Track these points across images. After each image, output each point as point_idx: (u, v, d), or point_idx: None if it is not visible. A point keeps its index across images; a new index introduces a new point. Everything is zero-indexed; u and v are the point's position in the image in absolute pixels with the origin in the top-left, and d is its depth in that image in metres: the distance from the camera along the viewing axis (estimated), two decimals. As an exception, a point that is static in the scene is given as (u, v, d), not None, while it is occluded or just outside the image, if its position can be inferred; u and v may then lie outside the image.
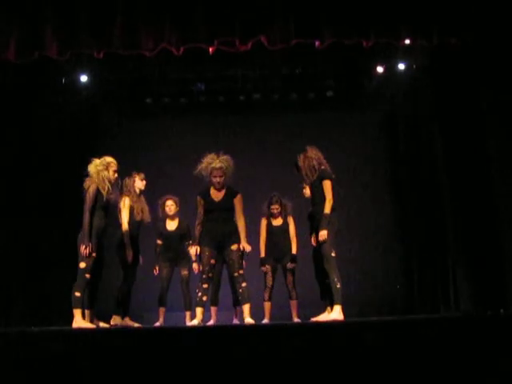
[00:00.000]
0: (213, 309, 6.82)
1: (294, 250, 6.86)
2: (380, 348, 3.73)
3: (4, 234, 7.00)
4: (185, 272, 7.00)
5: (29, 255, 7.40)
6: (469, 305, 7.01)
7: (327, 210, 5.76)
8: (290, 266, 6.83)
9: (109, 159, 5.94)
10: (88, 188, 5.77)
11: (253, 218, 6.89)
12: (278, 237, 6.91)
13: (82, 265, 5.57)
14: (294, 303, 6.81)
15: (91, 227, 5.64)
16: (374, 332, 4.03)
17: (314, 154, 6.07)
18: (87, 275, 5.57)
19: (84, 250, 5.54)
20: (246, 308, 5.73)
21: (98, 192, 5.74)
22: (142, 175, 6.71)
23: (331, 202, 5.80)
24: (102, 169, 5.83)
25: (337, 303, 5.64)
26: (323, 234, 5.68)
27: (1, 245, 6.95)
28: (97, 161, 5.90)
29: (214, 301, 6.82)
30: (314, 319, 6.15)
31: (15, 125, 7.40)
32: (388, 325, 4.61)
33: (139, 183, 6.66)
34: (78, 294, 5.52)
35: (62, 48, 6.16)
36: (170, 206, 7.00)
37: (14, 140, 7.36)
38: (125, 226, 6.48)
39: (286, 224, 6.95)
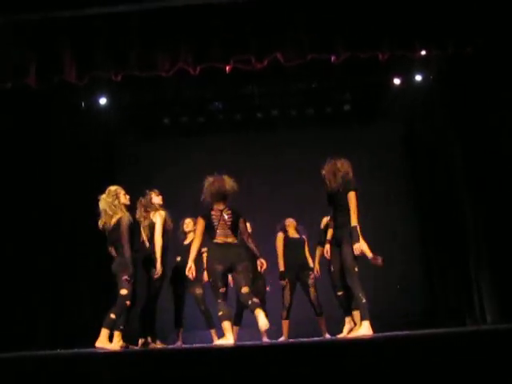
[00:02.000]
0: (234, 328, 6.76)
1: (311, 263, 6.83)
2: (410, 363, 3.67)
3: (24, 258, 7.07)
4: (199, 291, 6.80)
5: (50, 279, 7.46)
6: (496, 316, 6.90)
7: (354, 221, 5.52)
8: (311, 280, 6.77)
9: (113, 188, 5.93)
10: (114, 222, 5.81)
11: (269, 234, 6.96)
12: (295, 250, 6.87)
13: (124, 292, 5.60)
14: (321, 319, 6.73)
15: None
16: (404, 347, 3.98)
17: (340, 165, 5.92)
18: (128, 302, 5.61)
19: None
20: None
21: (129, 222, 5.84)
22: (157, 191, 6.69)
23: (356, 213, 5.58)
24: (113, 199, 5.85)
25: (365, 319, 5.53)
26: (358, 248, 5.48)
27: (23, 268, 7.02)
28: (103, 196, 5.89)
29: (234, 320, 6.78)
30: (340, 336, 6.08)
31: (35, 149, 7.51)
32: (417, 340, 4.54)
33: (157, 199, 6.64)
34: (113, 316, 5.54)
35: (81, 72, 6.24)
36: (188, 223, 7.01)
37: (34, 163, 7.46)
38: (159, 241, 6.42)
39: (302, 238, 6.91)
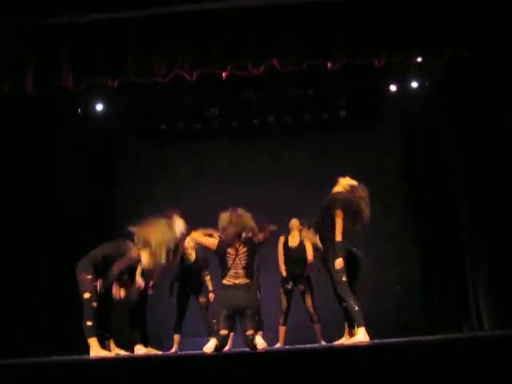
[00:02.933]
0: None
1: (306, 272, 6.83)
2: (406, 370, 3.66)
3: (24, 258, 7.07)
4: (203, 299, 6.97)
5: (50, 280, 7.45)
6: (492, 322, 6.90)
7: (339, 237, 5.66)
8: (301, 288, 6.77)
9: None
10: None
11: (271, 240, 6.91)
12: (294, 258, 6.87)
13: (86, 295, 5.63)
14: (317, 326, 6.73)
15: None
16: (401, 354, 3.97)
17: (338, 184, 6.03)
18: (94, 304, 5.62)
19: None
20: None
21: None
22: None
23: (341, 229, 5.68)
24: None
25: (359, 325, 5.53)
26: (339, 263, 5.60)
27: (23, 268, 7.02)
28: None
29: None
30: (337, 342, 6.07)
31: (32, 155, 7.51)
32: (413, 346, 4.54)
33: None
34: (88, 323, 5.54)
35: (78, 78, 6.25)
36: (188, 242, 6.97)
37: (31, 169, 7.45)
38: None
39: (302, 245, 6.91)
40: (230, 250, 5.25)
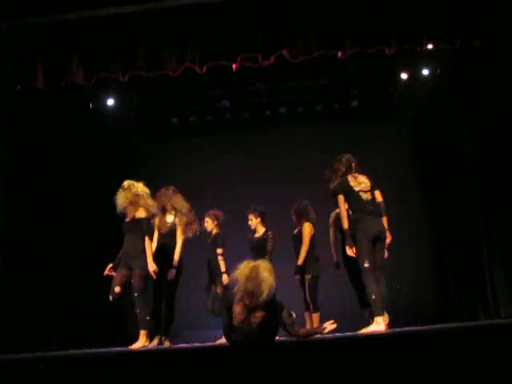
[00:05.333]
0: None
1: (299, 261, 6.74)
2: (423, 359, 3.66)
3: (41, 257, 7.12)
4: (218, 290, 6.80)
5: (66, 278, 7.50)
6: (510, 310, 6.85)
7: (345, 225, 5.69)
8: (295, 277, 6.76)
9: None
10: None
11: (281, 231, 7.01)
12: (295, 246, 6.90)
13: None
14: (314, 316, 6.66)
15: None
16: (414, 343, 3.96)
17: (337, 165, 5.99)
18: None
19: None
20: None
21: None
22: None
23: (345, 217, 5.70)
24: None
25: (376, 315, 5.54)
26: (347, 251, 5.65)
27: (39, 268, 7.08)
28: None
29: None
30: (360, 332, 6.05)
31: (44, 151, 7.55)
32: (429, 335, 4.53)
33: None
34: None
35: (88, 73, 6.27)
36: (205, 222, 7.08)
37: (44, 165, 7.50)
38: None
39: (300, 232, 6.88)
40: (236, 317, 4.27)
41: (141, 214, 5.95)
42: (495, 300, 7.24)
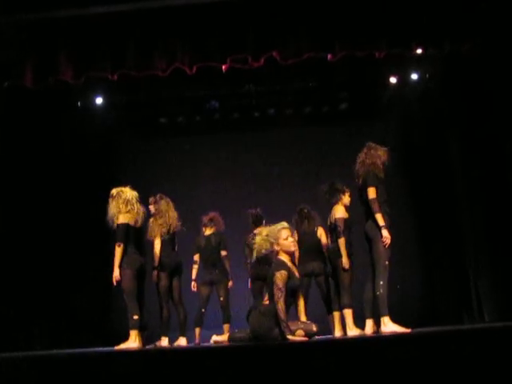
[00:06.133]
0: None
1: None
2: (406, 363, 3.67)
3: (24, 255, 7.07)
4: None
5: (49, 278, 7.46)
6: (494, 314, 6.91)
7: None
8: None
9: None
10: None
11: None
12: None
13: None
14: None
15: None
16: (399, 346, 3.98)
17: (365, 155, 5.87)
18: None
19: None
20: None
21: None
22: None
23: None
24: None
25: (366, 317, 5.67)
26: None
27: (21, 267, 7.02)
28: None
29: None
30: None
31: (31, 149, 7.51)
32: (414, 338, 4.55)
33: None
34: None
35: (77, 72, 6.24)
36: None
37: (31, 163, 7.45)
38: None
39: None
40: None
41: (121, 219, 5.89)
42: (479, 304, 7.30)
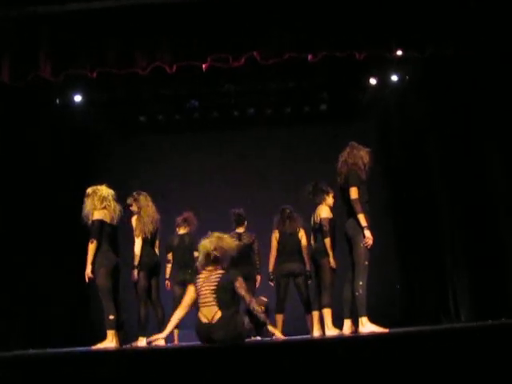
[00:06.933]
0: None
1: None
2: (384, 362, 3.69)
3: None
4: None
5: (27, 278, 7.38)
6: (470, 314, 6.99)
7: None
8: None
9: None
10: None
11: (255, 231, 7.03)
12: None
13: None
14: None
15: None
16: (377, 346, 4.00)
17: (347, 155, 5.79)
18: None
19: None
20: None
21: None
22: None
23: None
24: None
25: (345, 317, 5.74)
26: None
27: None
28: None
29: None
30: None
31: (8, 146, 7.41)
32: (393, 338, 4.58)
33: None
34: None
35: (56, 69, 6.17)
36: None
37: (7, 161, 7.36)
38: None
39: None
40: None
41: (96, 215, 5.83)
42: (456, 305, 7.38)
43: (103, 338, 5.70)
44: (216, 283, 4.94)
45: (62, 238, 7.94)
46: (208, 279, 4.99)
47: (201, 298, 4.97)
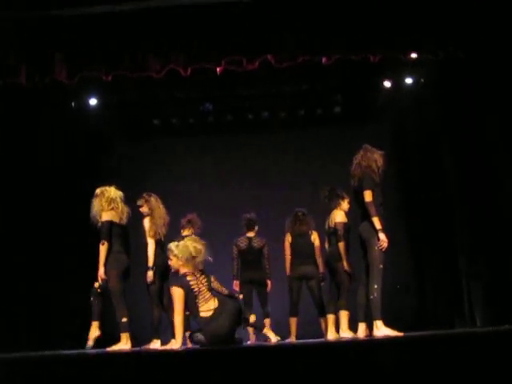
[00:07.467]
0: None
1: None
2: (398, 366, 3.68)
3: (11, 255, 7.03)
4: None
5: (34, 276, 7.41)
6: (485, 318, 6.93)
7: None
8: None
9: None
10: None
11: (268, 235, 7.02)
12: None
13: None
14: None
15: None
16: (391, 349, 3.99)
17: (361, 157, 5.75)
18: None
19: None
20: None
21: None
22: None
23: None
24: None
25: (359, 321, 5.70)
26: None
27: (7, 267, 6.98)
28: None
29: None
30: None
31: (24, 148, 7.48)
32: (406, 342, 4.56)
33: None
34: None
35: (72, 72, 6.23)
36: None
37: (23, 163, 7.43)
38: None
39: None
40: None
41: (104, 216, 5.86)
42: (471, 309, 7.32)
43: (106, 339, 5.76)
44: None
45: (73, 239, 7.94)
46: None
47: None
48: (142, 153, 9.41)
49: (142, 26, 6.28)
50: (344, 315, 6.18)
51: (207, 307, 5.22)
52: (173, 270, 5.68)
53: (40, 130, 7.83)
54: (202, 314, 5.20)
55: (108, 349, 5.67)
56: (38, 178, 7.69)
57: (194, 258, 5.34)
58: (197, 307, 5.23)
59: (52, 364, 4.04)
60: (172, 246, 5.53)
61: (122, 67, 6.30)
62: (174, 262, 5.46)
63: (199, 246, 5.45)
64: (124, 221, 6.00)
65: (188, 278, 5.28)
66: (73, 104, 8.60)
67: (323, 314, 6.51)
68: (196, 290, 5.25)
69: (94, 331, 5.75)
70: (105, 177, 8.54)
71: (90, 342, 5.75)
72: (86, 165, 8.69)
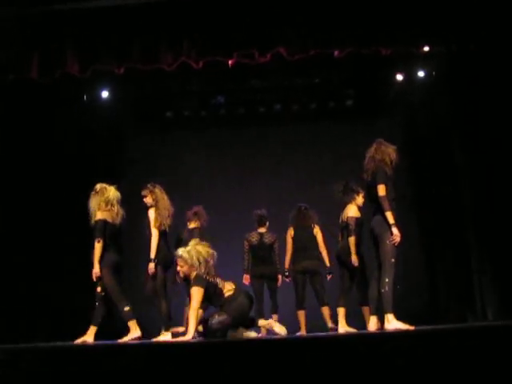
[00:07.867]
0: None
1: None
2: (407, 360, 3.68)
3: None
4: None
5: (51, 271, 7.46)
6: (497, 312, 6.91)
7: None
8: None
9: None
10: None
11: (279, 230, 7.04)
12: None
13: None
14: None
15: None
16: (402, 343, 3.99)
17: (374, 151, 5.70)
18: None
19: None
20: None
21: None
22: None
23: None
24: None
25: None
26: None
27: (22, 261, 7.04)
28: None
29: None
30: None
31: (36, 142, 7.52)
32: (417, 336, 4.56)
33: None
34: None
35: (84, 65, 6.25)
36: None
37: (36, 157, 7.47)
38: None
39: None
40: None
41: (99, 215, 5.93)
42: (483, 303, 7.30)
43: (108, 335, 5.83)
44: None
45: (74, 240, 7.94)
46: None
47: None
48: (154, 145, 9.42)
49: (154, 18, 6.28)
50: (341, 311, 6.34)
51: (229, 287, 5.61)
52: (181, 276, 5.77)
53: (52, 124, 7.85)
54: (227, 294, 5.56)
55: (119, 340, 5.71)
56: (50, 173, 7.70)
57: (207, 262, 5.57)
58: (220, 290, 5.55)
59: (63, 355, 4.08)
60: (182, 253, 5.60)
61: (134, 60, 6.31)
62: (186, 269, 5.57)
63: (210, 250, 5.66)
64: (118, 221, 6.07)
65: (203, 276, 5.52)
66: (85, 97, 8.62)
67: (323, 306, 6.70)
68: (213, 280, 5.54)
69: (89, 335, 5.81)
70: (116, 169, 8.61)
71: (79, 341, 5.82)
72: (99, 158, 8.68)
